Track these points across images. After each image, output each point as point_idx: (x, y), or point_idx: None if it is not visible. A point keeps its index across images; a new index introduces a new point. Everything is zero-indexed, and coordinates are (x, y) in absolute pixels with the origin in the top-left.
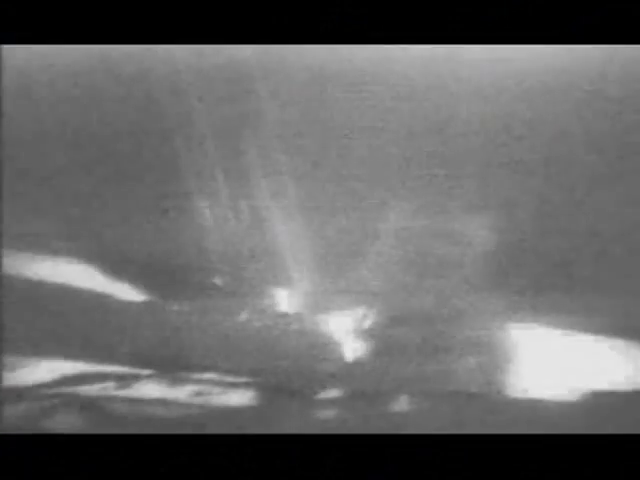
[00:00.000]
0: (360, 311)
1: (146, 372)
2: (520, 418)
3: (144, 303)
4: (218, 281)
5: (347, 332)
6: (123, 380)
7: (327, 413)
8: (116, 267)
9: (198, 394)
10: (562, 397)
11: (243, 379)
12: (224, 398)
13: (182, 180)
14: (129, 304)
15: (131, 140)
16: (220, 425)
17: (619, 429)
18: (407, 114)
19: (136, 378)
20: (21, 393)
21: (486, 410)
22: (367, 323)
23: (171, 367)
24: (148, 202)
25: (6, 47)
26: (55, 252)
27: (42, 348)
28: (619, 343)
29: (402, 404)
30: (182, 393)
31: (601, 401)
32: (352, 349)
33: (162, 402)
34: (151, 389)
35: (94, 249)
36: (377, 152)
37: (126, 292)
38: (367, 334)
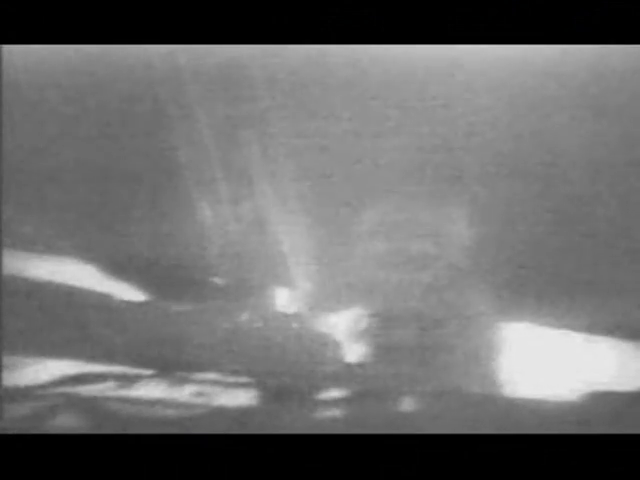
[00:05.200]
0: (360, 310)
1: (146, 372)
2: (518, 418)
3: (144, 303)
4: (219, 281)
5: (347, 332)
6: (123, 380)
7: (327, 413)
8: (116, 267)
9: (198, 394)
10: (559, 396)
11: (243, 379)
12: (224, 398)
13: (182, 180)
14: (129, 304)
15: (131, 140)
16: (221, 425)
17: (619, 429)
18: (406, 114)
19: (136, 378)
20: (21, 393)
21: (484, 410)
22: (366, 322)
23: (171, 367)
24: (148, 202)
25: (6, 47)
26: (55, 252)
27: (42, 348)
28: (618, 342)
29: (402, 404)
30: (182, 393)
31: (601, 401)
32: (351, 349)
33: (162, 402)
34: (151, 389)
35: (94, 249)
36: (377, 152)
37: (126, 292)
38: (367, 333)
